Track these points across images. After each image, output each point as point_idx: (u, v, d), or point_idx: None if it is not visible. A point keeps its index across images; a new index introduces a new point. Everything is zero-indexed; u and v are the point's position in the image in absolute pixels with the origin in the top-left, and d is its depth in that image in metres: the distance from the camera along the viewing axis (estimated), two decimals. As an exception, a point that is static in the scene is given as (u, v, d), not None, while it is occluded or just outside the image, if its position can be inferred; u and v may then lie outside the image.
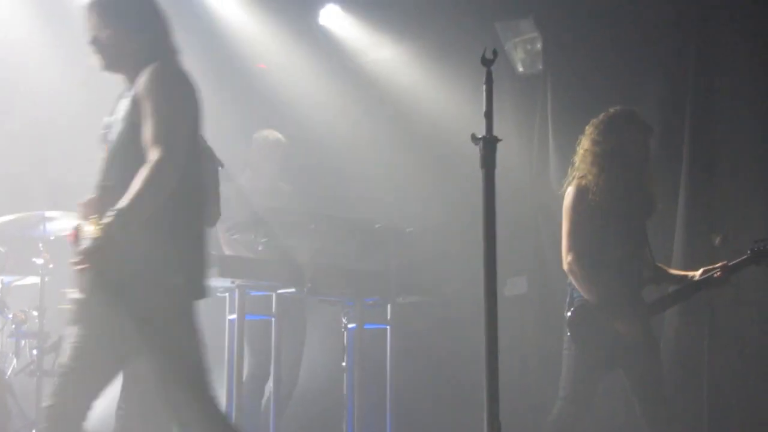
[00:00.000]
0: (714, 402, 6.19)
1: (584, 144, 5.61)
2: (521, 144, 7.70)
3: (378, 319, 6.68)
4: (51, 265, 6.82)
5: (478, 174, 3.65)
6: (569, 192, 5.61)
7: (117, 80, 4.28)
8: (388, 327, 6.67)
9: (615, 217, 5.52)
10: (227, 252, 6.84)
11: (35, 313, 6.84)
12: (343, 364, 6.46)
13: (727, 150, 6.41)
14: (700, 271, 5.61)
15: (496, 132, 3.65)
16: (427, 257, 7.44)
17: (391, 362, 6.67)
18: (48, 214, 6.79)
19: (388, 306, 6.64)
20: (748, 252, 5.48)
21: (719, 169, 6.45)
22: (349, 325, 6.49)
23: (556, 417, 5.60)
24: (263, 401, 6.96)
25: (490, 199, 3.62)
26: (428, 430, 7.60)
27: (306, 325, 7.17)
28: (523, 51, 7.71)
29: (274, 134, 7.37)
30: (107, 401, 4.23)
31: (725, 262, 5.52)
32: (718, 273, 5.52)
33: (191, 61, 4.33)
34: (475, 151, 3.63)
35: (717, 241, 5.90)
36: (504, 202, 3.96)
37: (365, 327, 6.49)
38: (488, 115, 3.65)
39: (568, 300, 5.66)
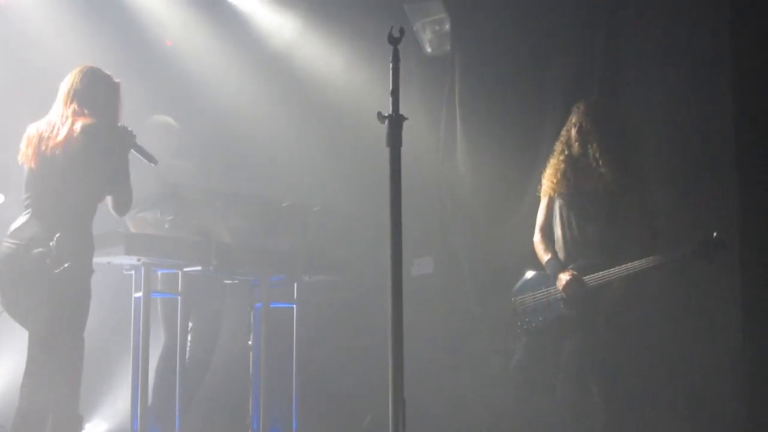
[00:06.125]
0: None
1: None
2: (429, 124, 7.72)
3: (284, 298, 6.67)
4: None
5: (385, 153, 3.67)
6: None
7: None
8: (294, 306, 6.68)
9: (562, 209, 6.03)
10: (133, 230, 6.76)
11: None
12: (249, 342, 6.46)
13: (635, 138, 6.42)
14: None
15: (402, 112, 3.68)
16: (333, 236, 7.43)
17: (297, 341, 6.67)
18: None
19: (295, 285, 6.64)
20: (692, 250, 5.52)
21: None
22: (256, 304, 6.48)
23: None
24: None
25: (396, 177, 3.64)
26: (334, 408, 7.61)
27: (222, 306, 7.07)
28: (431, 32, 7.74)
29: (164, 119, 7.26)
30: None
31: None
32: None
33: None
34: (381, 130, 3.65)
35: None
36: (410, 181, 3.98)
37: (271, 306, 6.46)
38: (395, 94, 3.68)
39: None
